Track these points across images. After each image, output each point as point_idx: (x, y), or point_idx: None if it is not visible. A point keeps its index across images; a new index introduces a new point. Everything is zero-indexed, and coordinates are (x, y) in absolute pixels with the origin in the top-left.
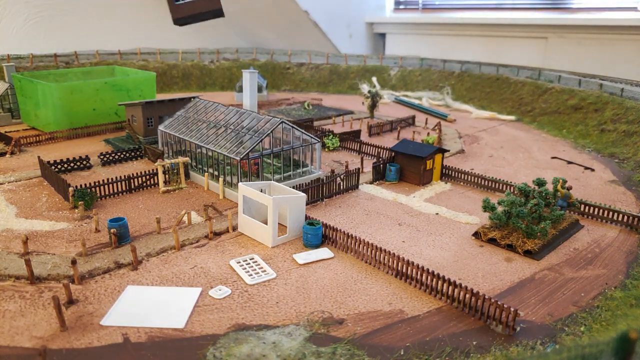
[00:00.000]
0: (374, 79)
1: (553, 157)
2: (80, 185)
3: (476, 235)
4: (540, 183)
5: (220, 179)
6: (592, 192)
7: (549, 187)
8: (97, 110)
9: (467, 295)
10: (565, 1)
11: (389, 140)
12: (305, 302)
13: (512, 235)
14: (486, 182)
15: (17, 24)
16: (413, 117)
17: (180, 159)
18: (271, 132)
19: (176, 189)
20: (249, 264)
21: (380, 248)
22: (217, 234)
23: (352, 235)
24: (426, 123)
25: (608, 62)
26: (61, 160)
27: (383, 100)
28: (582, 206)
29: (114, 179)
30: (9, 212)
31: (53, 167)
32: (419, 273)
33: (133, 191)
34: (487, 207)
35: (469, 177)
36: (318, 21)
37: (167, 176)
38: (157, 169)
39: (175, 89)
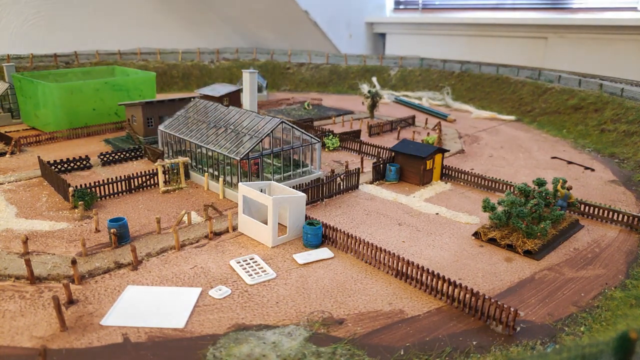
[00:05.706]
0: (374, 79)
1: (553, 157)
2: (80, 185)
3: (476, 235)
4: (540, 183)
5: (220, 179)
6: (592, 192)
7: (549, 187)
8: (97, 110)
9: (467, 295)
10: (565, 1)
11: (389, 140)
12: (305, 302)
13: (512, 235)
14: (486, 182)
15: (17, 24)
16: (413, 117)
17: (180, 159)
18: (271, 132)
19: (176, 189)
20: (249, 264)
21: (380, 248)
22: (217, 234)
23: (352, 235)
24: (426, 123)
25: (608, 62)
26: (61, 160)
27: (383, 100)
28: (582, 206)
29: (114, 179)
30: (9, 212)
31: (53, 167)
32: (419, 273)
33: (133, 191)
34: (487, 207)
35: (469, 177)
36: (318, 21)
37: (167, 176)
38: (157, 169)
39: (175, 89)
